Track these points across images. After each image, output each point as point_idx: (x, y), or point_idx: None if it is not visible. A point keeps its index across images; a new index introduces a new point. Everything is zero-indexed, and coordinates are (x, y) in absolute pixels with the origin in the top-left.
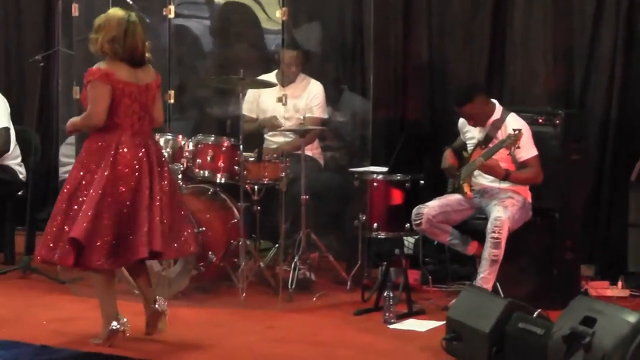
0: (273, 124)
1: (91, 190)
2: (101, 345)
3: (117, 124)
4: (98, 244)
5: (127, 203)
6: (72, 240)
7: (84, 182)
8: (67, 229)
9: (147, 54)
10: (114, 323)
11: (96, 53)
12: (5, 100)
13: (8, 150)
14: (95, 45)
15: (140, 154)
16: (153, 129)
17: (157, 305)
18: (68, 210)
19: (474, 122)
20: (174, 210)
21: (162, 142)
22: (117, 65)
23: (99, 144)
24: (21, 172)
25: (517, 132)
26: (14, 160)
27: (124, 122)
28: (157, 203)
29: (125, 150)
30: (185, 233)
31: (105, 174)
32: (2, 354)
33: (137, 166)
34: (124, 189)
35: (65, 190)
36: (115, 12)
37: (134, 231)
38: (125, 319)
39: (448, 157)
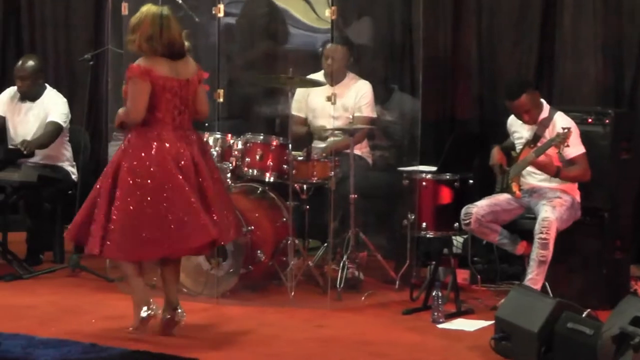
0: (321, 135)
1: (137, 191)
2: (135, 332)
3: (159, 118)
4: (145, 236)
5: (170, 193)
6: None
7: (125, 174)
8: (114, 218)
9: (186, 43)
10: (145, 308)
11: (135, 53)
12: (65, 102)
13: (48, 144)
14: (133, 45)
15: (182, 147)
16: (200, 123)
17: (174, 315)
18: (110, 200)
19: (529, 116)
20: (222, 199)
21: (211, 140)
22: (157, 60)
23: (140, 138)
24: (73, 172)
25: (566, 130)
26: (67, 161)
27: (165, 116)
28: (209, 194)
29: (167, 144)
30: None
31: (150, 170)
32: (51, 352)
33: (178, 161)
34: (164, 179)
35: (99, 187)
36: (148, 9)
37: (188, 221)
38: (155, 305)
39: (496, 155)
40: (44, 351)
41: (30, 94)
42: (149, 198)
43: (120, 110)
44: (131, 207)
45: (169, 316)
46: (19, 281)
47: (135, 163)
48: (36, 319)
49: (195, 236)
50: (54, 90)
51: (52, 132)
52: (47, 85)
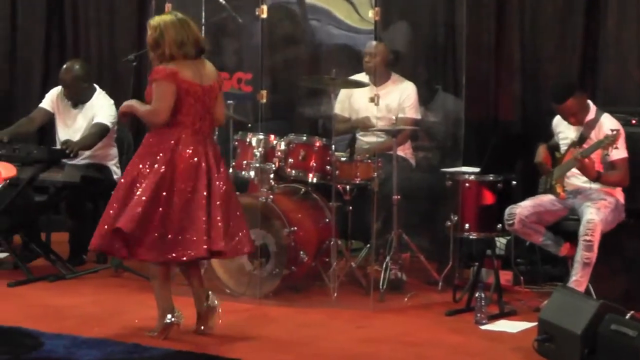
0: (365, 124)
1: (144, 184)
2: (156, 338)
3: (180, 121)
4: (148, 237)
5: (183, 199)
6: (118, 230)
7: (140, 175)
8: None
9: None
10: (169, 316)
11: (166, 62)
12: (112, 104)
13: (93, 145)
14: (162, 58)
15: (199, 153)
16: (243, 124)
17: (209, 302)
18: (125, 201)
19: (575, 119)
20: (230, 211)
21: (254, 141)
22: (182, 64)
23: (160, 138)
24: (116, 172)
25: (615, 132)
26: (112, 161)
27: (185, 120)
28: (217, 202)
29: (184, 148)
30: (240, 234)
31: (162, 169)
32: (94, 352)
33: (195, 165)
34: (181, 186)
35: (122, 182)
36: (163, 20)
37: (190, 229)
38: (179, 312)
39: (542, 153)
40: (87, 351)
41: (76, 99)
42: (156, 201)
43: (136, 105)
44: (139, 209)
45: (204, 307)
46: (62, 281)
47: (149, 165)
48: (79, 319)
49: (192, 249)
50: (103, 93)
51: (96, 134)
52: (96, 87)
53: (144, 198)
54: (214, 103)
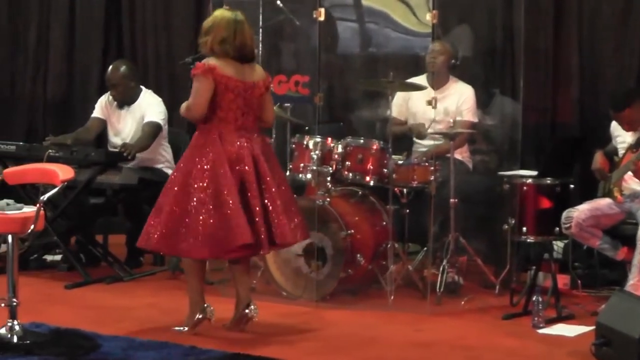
0: (420, 132)
1: (197, 185)
2: (186, 333)
3: (221, 117)
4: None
5: (229, 193)
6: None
7: (191, 175)
8: (187, 221)
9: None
10: (200, 311)
11: (207, 54)
12: (161, 101)
13: (149, 145)
14: (205, 47)
15: (242, 148)
16: (300, 127)
17: (247, 310)
18: (184, 204)
19: (630, 127)
20: (285, 203)
21: (311, 144)
22: (225, 61)
23: (204, 138)
24: None
25: None
26: (166, 163)
27: (227, 115)
28: (267, 195)
29: (228, 145)
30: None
31: (207, 167)
32: (151, 354)
33: (238, 159)
34: (224, 181)
35: (175, 187)
36: (223, 14)
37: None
38: (211, 308)
39: (598, 159)
40: (144, 353)
41: (124, 100)
42: (195, 198)
43: (183, 104)
44: (178, 206)
45: (241, 313)
46: (119, 283)
47: (191, 163)
48: (136, 321)
49: (233, 238)
50: (149, 91)
51: (150, 133)
52: (142, 87)
53: (204, 203)
54: (257, 100)
